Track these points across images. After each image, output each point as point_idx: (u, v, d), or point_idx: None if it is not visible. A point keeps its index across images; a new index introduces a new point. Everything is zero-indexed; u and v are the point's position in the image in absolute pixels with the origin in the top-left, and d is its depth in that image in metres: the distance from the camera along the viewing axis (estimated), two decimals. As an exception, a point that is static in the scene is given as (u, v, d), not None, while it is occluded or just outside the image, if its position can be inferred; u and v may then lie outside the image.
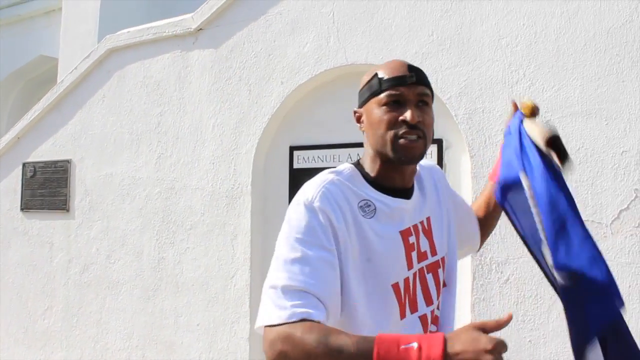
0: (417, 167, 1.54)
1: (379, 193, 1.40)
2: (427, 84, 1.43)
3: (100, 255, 4.78)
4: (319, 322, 1.17)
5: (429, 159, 3.50)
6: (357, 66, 3.74)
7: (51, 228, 5.12)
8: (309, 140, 4.00)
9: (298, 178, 3.95)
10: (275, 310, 1.19)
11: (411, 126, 1.35)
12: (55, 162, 5.11)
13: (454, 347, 1.05)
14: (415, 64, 3.75)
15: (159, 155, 4.52)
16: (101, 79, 4.92)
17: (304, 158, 3.98)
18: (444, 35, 3.44)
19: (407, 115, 1.35)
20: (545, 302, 3.07)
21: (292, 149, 4.05)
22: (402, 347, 1.07)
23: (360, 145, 3.83)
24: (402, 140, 1.36)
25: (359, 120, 1.47)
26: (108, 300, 4.71)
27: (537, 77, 3.17)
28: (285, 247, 1.28)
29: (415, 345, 1.07)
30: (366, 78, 1.45)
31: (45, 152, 5.22)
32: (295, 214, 1.31)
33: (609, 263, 2.96)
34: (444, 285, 1.52)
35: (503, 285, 3.17)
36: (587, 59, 3.06)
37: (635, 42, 2.96)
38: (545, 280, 3.14)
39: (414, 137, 1.36)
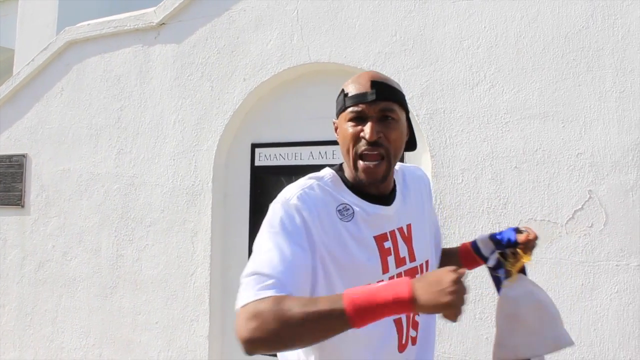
0: (405, 172, 1.60)
1: (358, 198, 1.43)
2: (392, 99, 1.43)
3: (56, 252, 4.67)
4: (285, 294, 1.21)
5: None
6: (320, 64, 3.74)
7: (5, 224, 4.98)
8: (271, 138, 3.98)
9: (259, 175, 3.93)
10: (244, 294, 1.21)
11: (371, 143, 1.38)
12: (10, 157, 4.98)
13: (420, 281, 1.13)
14: (378, 64, 3.77)
15: (118, 151, 4.45)
16: (59, 72, 4.82)
17: (265, 155, 3.97)
18: (407, 35, 3.47)
19: (366, 132, 1.38)
20: (502, 301, 3.13)
21: (254, 146, 4.03)
22: (371, 286, 1.15)
23: (321, 143, 3.84)
24: (361, 162, 1.40)
25: (336, 130, 1.51)
26: (64, 298, 4.61)
27: (497, 79, 3.22)
28: (259, 240, 1.32)
29: (382, 282, 1.16)
30: (339, 92, 1.49)
31: (-1, 146, 5.09)
32: (272, 211, 1.35)
33: (563, 262, 3.05)
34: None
35: (461, 284, 3.21)
36: (545, 63, 3.13)
37: (591, 48, 3.04)
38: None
39: (374, 160, 1.39)
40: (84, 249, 4.54)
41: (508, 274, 1.66)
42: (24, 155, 4.90)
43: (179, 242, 4.12)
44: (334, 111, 3.70)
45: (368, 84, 1.41)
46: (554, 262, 3.03)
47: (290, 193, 1.36)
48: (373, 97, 1.39)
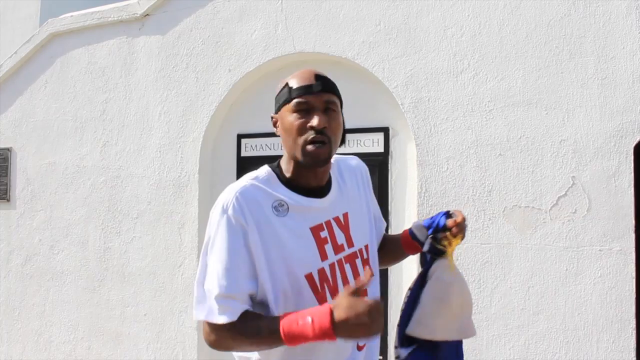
0: (340, 164, 1.69)
1: (293, 193, 1.53)
2: (334, 92, 1.54)
3: (43, 246, 4.65)
4: (239, 316, 1.41)
5: (375, 146, 3.55)
6: (305, 54, 3.74)
7: (-9, 218, 4.95)
8: (257, 128, 3.98)
9: (246, 166, 3.93)
10: (206, 309, 1.44)
11: (318, 131, 1.48)
12: (-6, 150, 4.94)
13: (340, 315, 1.29)
14: (362, 53, 3.78)
15: (104, 143, 4.43)
16: (43, 64, 4.78)
17: (251, 146, 3.97)
18: (391, 24, 3.47)
19: (314, 121, 1.47)
20: (488, 286, 3.16)
21: (240, 136, 4.03)
22: (300, 322, 1.32)
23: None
24: (309, 147, 1.49)
25: (275, 124, 1.59)
26: (52, 291, 4.59)
27: (481, 67, 3.24)
28: (209, 250, 1.47)
29: (309, 319, 1.31)
30: (280, 86, 1.56)
31: (-17, 140, 5.04)
32: (213, 220, 1.48)
33: (547, 248, 3.08)
34: (372, 274, 1.60)
35: (447, 271, 3.24)
36: (528, 50, 3.15)
37: (573, 35, 3.06)
38: (487, 265, 3.23)
39: (319, 143, 1.48)
40: (71, 242, 4.53)
41: (441, 256, 1.70)
42: (8, 149, 4.86)
43: (166, 233, 4.12)
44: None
45: (312, 77, 1.52)
46: (538, 248, 3.07)
47: (227, 200, 1.46)
48: (319, 88, 1.50)
